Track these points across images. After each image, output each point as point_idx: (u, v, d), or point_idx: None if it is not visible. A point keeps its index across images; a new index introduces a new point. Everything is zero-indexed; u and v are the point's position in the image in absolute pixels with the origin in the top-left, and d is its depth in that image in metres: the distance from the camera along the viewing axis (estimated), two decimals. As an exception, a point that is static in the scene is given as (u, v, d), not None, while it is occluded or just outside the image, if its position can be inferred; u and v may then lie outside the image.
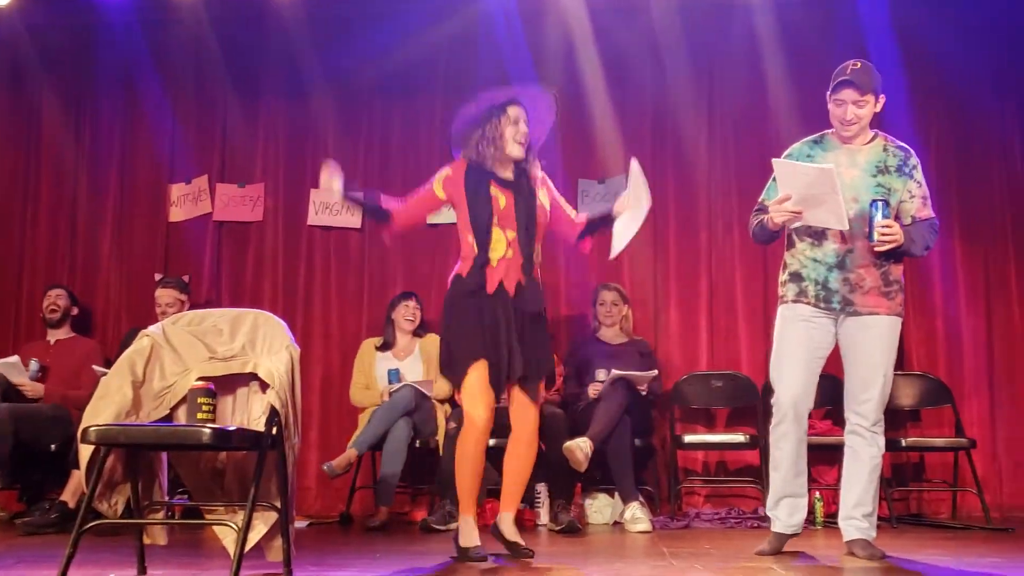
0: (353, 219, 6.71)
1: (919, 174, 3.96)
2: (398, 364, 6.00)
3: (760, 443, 5.92)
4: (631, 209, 3.98)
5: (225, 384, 3.43)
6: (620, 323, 6.06)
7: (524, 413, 3.93)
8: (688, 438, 6.00)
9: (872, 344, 3.89)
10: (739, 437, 5.96)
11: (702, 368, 6.40)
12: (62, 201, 6.95)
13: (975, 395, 6.29)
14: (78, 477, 4.98)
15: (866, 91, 3.85)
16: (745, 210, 6.17)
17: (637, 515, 5.23)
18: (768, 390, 6.13)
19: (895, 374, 4.25)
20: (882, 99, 3.93)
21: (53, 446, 5.46)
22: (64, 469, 5.31)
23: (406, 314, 6.07)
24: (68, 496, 5.20)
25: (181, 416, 3.34)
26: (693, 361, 6.45)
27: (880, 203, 3.76)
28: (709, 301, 6.51)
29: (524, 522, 5.23)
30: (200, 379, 3.32)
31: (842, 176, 3.77)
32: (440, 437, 5.65)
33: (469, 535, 3.84)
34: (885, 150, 3.95)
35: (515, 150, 3.95)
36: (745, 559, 3.90)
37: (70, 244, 6.91)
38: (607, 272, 6.35)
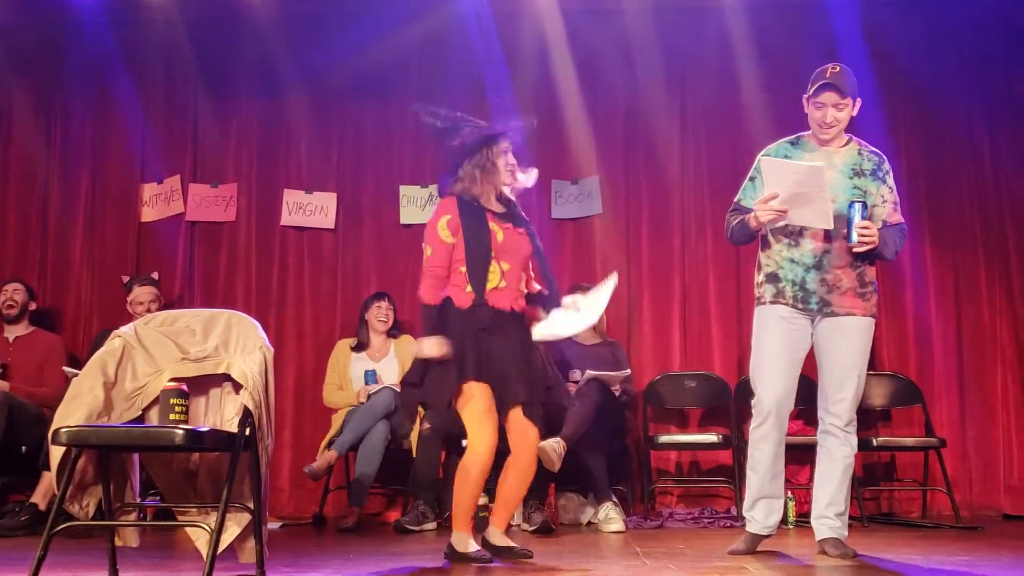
0: (326, 219, 6.70)
1: (891, 179, 4.01)
2: (373, 365, 6.00)
3: (733, 443, 5.97)
4: (575, 313, 3.96)
5: (198, 385, 3.40)
6: (594, 324, 6.06)
7: (524, 436, 3.88)
8: (661, 438, 6.02)
9: (847, 344, 3.91)
10: (712, 437, 5.99)
11: (675, 369, 6.43)
12: (32, 201, 6.89)
13: (945, 395, 6.36)
14: (49, 479, 4.96)
15: (846, 94, 3.88)
16: (718, 211, 6.24)
17: (611, 515, 5.25)
18: (742, 391, 6.22)
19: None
20: (858, 102, 3.97)
21: (24, 448, 5.41)
22: (35, 471, 5.26)
23: (379, 315, 6.07)
24: (39, 498, 5.16)
25: (153, 417, 3.32)
26: (666, 362, 6.48)
27: (858, 204, 3.79)
28: (682, 302, 6.54)
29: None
30: (172, 380, 3.29)
31: None
32: (414, 438, 5.65)
33: (467, 543, 3.84)
34: (860, 154, 4.00)
35: (507, 181, 3.95)
36: (718, 559, 3.91)
37: (41, 244, 6.85)
38: (580, 273, 6.38)
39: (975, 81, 6.61)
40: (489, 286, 3.85)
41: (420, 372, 3.84)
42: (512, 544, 3.94)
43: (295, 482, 6.37)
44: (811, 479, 4.15)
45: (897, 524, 5.75)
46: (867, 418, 6.05)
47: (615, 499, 5.42)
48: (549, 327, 3.94)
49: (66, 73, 6.95)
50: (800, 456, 5.78)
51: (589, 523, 5.67)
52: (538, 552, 4.20)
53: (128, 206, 6.83)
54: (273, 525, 5.51)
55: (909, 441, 6.06)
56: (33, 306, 6.19)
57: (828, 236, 3.88)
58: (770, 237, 4.00)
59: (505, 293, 3.88)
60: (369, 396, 5.73)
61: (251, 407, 3.15)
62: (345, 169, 6.83)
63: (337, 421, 5.81)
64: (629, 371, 5.87)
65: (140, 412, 3.33)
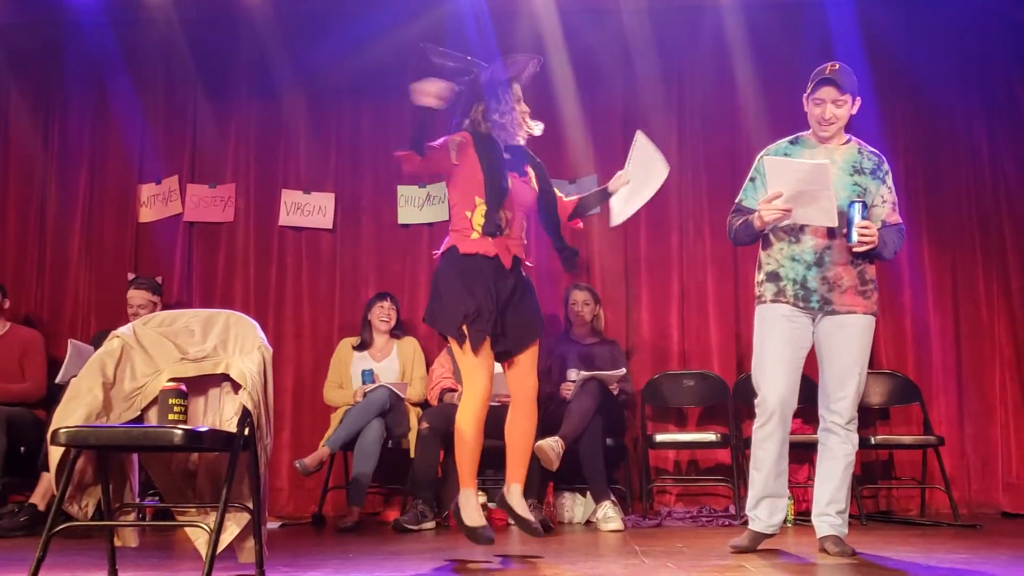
0: (324, 219, 6.70)
1: (890, 180, 4.02)
2: (374, 365, 6.00)
3: (731, 442, 5.97)
4: (632, 183, 3.98)
5: (197, 385, 3.40)
6: (592, 323, 6.08)
7: (524, 380, 3.92)
8: (660, 437, 6.03)
9: (849, 342, 3.91)
10: (710, 436, 5.99)
11: (673, 367, 6.44)
12: (30, 201, 6.89)
13: (943, 393, 6.36)
14: (48, 479, 4.96)
15: (845, 91, 3.89)
16: (716, 210, 6.26)
17: (609, 514, 5.25)
18: (740, 389, 6.23)
19: (863, 372, 4.29)
20: (858, 101, 3.98)
21: (23, 448, 5.41)
22: (34, 471, 5.27)
23: (381, 315, 6.08)
24: (38, 499, 5.16)
25: (152, 417, 3.32)
26: (664, 360, 6.48)
27: (858, 204, 3.79)
28: (680, 301, 6.55)
29: (495, 521, 5.24)
30: (171, 380, 3.29)
31: None
32: (412, 438, 5.66)
33: (474, 513, 3.81)
34: (860, 153, 4.00)
35: (520, 125, 3.96)
36: (717, 557, 3.92)
37: (39, 244, 6.85)
38: (578, 272, 6.39)
39: (973, 80, 6.62)
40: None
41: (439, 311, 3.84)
42: (529, 516, 3.90)
43: (294, 482, 6.37)
44: (809, 477, 4.17)
45: (896, 522, 5.76)
46: (865, 416, 6.05)
47: (613, 498, 5.42)
48: (620, 212, 4.07)
49: (64, 73, 6.95)
50: (799, 455, 5.77)
51: (588, 522, 5.67)
52: (537, 551, 4.21)
53: (126, 206, 6.83)
54: (272, 525, 5.51)
55: (907, 439, 6.07)
56: (7, 304, 6.05)
57: (828, 233, 3.88)
58: (770, 236, 3.99)
59: (510, 240, 3.88)
60: (364, 395, 5.73)
61: (250, 407, 3.15)
62: (343, 169, 6.83)
63: (335, 420, 5.81)
64: (625, 370, 5.87)
65: (139, 412, 3.33)
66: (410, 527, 5.21)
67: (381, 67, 6.69)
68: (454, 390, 5.71)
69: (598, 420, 5.46)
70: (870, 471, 6.28)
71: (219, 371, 3.37)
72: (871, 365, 5.97)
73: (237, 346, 3.39)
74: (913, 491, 6.23)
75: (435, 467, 5.51)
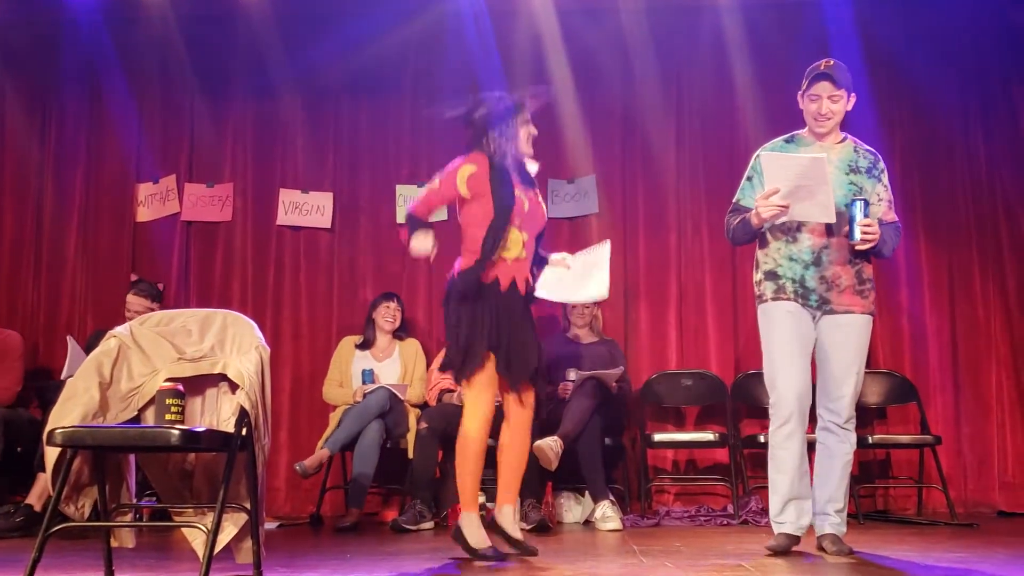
0: (323, 219, 6.70)
1: (886, 178, 4.02)
2: (375, 365, 6.00)
3: (729, 441, 5.97)
4: (571, 272, 4.03)
5: (194, 385, 3.40)
6: (590, 323, 6.07)
7: (520, 404, 3.96)
8: (658, 437, 6.03)
9: (847, 342, 3.90)
10: (709, 435, 5.98)
11: (672, 367, 6.44)
12: (27, 201, 6.88)
13: (940, 393, 6.37)
14: (44, 480, 4.95)
15: (840, 86, 3.89)
16: (714, 210, 6.26)
17: (607, 513, 5.25)
18: (738, 389, 6.23)
19: (861, 372, 4.28)
20: (853, 97, 3.97)
21: (19, 448, 5.40)
22: (30, 472, 5.26)
23: (386, 315, 6.08)
24: (34, 499, 5.15)
25: (149, 418, 3.32)
26: (663, 360, 6.48)
27: (860, 202, 3.77)
28: (678, 300, 6.54)
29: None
30: (168, 380, 3.29)
31: None
32: (411, 438, 5.65)
33: (477, 534, 3.85)
34: (855, 151, 4.00)
35: (528, 150, 4.02)
36: (715, 556, 3.91)
37: (35, 244, 6.84)
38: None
39: (970, 80, 6.62)
40: (511, 254, 3.88)
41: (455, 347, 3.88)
42: (521, 537, 3.96)
43: (292, 482, 6.37)
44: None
45: (892, 521, 5.77)
46: (862, 416, 6.01)
47: (612, 497, 5.42)
48: (547, 289, 4.00)
49: (61, 72, 6.93)
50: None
51: (586, 521, 5.67)
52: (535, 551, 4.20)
53: (123, 206, 6.82)
54: (270, 525, 5.51)
55: (904, 438, 6.07)
56: None
57: (826, 232, 3.87)
58: (768, 235, 3.98)
59: (524, 264, 3.95)
60: (364, 395, 5.73)
61: (247, 407, 3.15)
62: (341, 168, 6.83)
63: (334, 420, 5.81)
64: (623, 368, 5.87)
65: (136, 412, 3.33)
66: (408, 527, 5.21)
67: (379, 66, 6.70)
68: (452, 390, 5.71)
69: (596, 420, 5.46)
70: (867, 470, 6.28)
71: (216, 371, 3.37)
72: (868, 364, 5.96)
73: (234, 346, 3.39)
74: (910, 490, 6.24)
75: (433, 467, 5.51)
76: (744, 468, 6.14)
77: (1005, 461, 6.27)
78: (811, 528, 3.99)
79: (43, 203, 6.87)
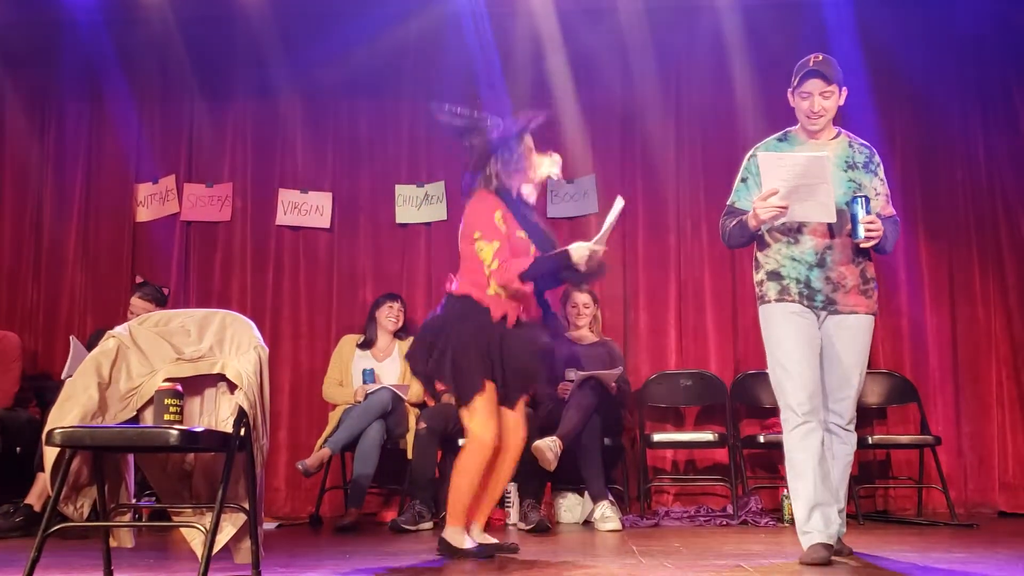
0: (322, 219, 6.70)
1: (882, 172, 3.95)
2: (376, 364, 6.00)
3: (729, 441, 5.97)
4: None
5: (193, 385, 3.40)
6: (590, 324, 6.07)
7: (518, 430, 4.02)
8: (657, 437, 6.03)
9: (851, 343, 3.83)
10: (708, 436, 5.98)
11: (671, 367, 6.44)
12: (27, 201, 6.89)
13: (940, 393, 6.36)
14: (43, 480, 4.94)
15: (831, 81, 3.81)
16: (713, 210, 6.24)
17: (607, 514, 5.25)
18: (738, 389, 6.23)
19: (861, 372, 4.25)
20: (844, 91, 3.89)
21: (19, 448, 5.40)
22: (30, 472, 5.25)
23: (389, 315, 6.08)
24: (33, 499, 5.15)
25: (148, 418, 3.32)
26: (662, 360, 6.48)
27: (861, 199, 3.69)
28: (678, 301, 6.54)
29: (493, 521, 5.23)
30: (167, 380, 3.29)
31: None
32: (410, 439, 5.65)
33: (463, 538, 3.93)
34: (851, 146, 3.93)
35: (533, 177, 4.04)
36: (714, 556, 3.92)
37: (35, 244, 6.84)
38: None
39: (970, 80, 6.62)
40: (505, 293, 3.93)
41: (427, 352, 3.91)
42: (495, 540, 4.03)
43: (291, 482, 6.37)
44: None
45: (892, 522, 5.77)
46: (863, 416, 5.98)
47: (611, 498, 5.42)
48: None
49: (61, 72, 6.93)
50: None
51: (585, 522, 5.67)
52: (535, 551, 4.21)
53: (123, 206, 6.82)
54: (269, 525, 5.51)
55: (904, 439, 6.07)
56: None
57: (828, 232, 3.80)
58: (767, 237, 3.88)
59: (517, 303, 4.01)
60: (367, 395, 5.73)
61: (246, 407, 3.15)
62: (340, 168, 6.83)
63: (334, 419, 5.81)
64: (622, 368, 5.87)
65: (135, 412, 3.33)
66: (407, 527, 5.21)
67: (379, 66, 6.70)
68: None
69: (596, 420, 5.46)
70: (867, 471, 6.28)
71: (215, 371, 3.37)
72: (868, 364, 5.98)
73: (233, 346, 3.39)
74: (910, 491, 6.23)
75: (433, 467, 5.51)
76: (743, 468, 6.14)
77: (1005, 461, 6.27)
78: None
79: (43, 203, 6.87)
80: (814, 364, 3.77)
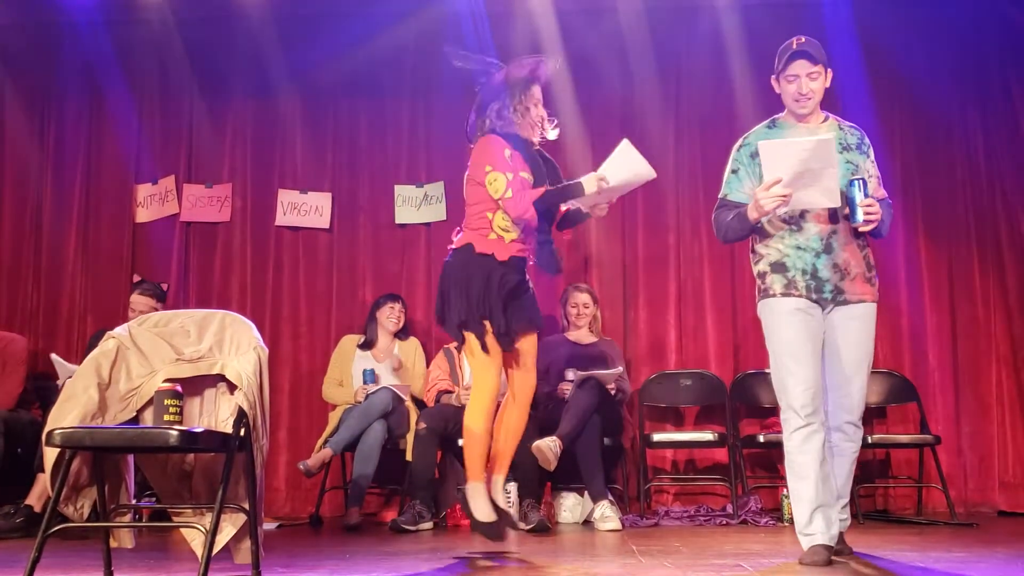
0: (321, 219, 6.70)
1: (872, 154, 3.88)
2: (376, 364, 6.00)
3: (728, 441, 5.97)
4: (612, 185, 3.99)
5: (192, 385, 3.41)
6: (590, 324, 6.07)
7: (526, 378, 4.05)
8: (657, 436, 6.03)
9: (859, 333, 3.74)
10: (708, 435, 5.98)
11: (671, 367, 6.44)
12: (26, 202, 6.89)
13: (940, 392, 6.36)
14: (43, 481, 4.94)
15: (817, 62, 3.73)
16: (712, 210, 6.24)
17: (607, 514, 5.25)
18: (737, 389, 6.23)
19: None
20: (830, 73, 3.81)
21: (19, 449, 5.40)
22: (30, 472, 5.25)
23: (390, 316, 6.09)
24: (33, 500, 5.15)
25: (148, 418, 3.32)
26: (662, 360, 6.48)
27: (859, 182, 3.61)
28: (677, 300, 6.54)
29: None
30: (167, 381, 3.29)
31: None
32: (410, 439, 5.65)
33: (484, 508, 3.91)
34: (841, 129, 3.86)
35: (537, 130, 4.06)
36: (714, 556, 3.91)
37: (35, 245, 6.84)
38: (576, 272, 6.40)
39: (969, 78, 6.62)
40: (509, 236, 3.96)
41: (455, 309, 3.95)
42: (508, 510, 4.04)
43: (291, 482, 6.37)
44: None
45: (892, 521, 5.77)
46: (863, 416, 6.05)
47: (611, 497, 5.42)
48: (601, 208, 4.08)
49: (60, 74, 6.94)
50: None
51: (585, 521, 5.67)
52: (534, 551, 4.21)
53: (122, 207, 6.82)
54: (269, 526, 5.51)
55: (904, 438, 6.07)
56: None
57: (831, 217, 3.70)
58: (767, 227, 3.77)
59: (522, 241, 4.02)
60: (367, 396, 5.73)
61: (246, 408, 3.15)
62: (340, 169, 6.83)
63: (334, 419, 5.81)
64: (622, 368, 5.88)
65: (134, 413, 3.33)
66: (407, 528, 5.21)
67: (378, 66, 6.71)
68: (450, 391, 5.73)
69: (596, 420, 5.46)
70: (867, 470, 6.28)
71: (215, 372, 3.38)
72: (868, 364, 6.00)
73: (233, 346, 3.39)
74: (910, 490, 6.23)
75: (432, 468, 5.51)
76: (743, 468, 6.14)
77: (1005, 461, 6.27)
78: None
79: (43, 204, 6.87)
80: (817, 363, 3.70)
